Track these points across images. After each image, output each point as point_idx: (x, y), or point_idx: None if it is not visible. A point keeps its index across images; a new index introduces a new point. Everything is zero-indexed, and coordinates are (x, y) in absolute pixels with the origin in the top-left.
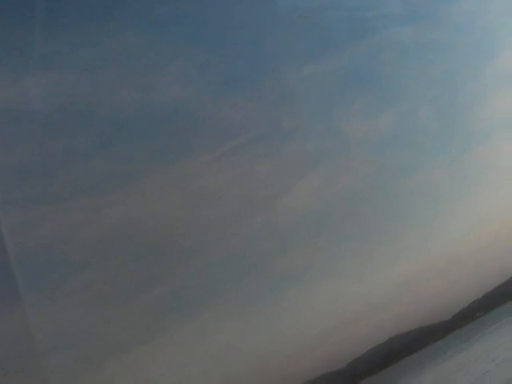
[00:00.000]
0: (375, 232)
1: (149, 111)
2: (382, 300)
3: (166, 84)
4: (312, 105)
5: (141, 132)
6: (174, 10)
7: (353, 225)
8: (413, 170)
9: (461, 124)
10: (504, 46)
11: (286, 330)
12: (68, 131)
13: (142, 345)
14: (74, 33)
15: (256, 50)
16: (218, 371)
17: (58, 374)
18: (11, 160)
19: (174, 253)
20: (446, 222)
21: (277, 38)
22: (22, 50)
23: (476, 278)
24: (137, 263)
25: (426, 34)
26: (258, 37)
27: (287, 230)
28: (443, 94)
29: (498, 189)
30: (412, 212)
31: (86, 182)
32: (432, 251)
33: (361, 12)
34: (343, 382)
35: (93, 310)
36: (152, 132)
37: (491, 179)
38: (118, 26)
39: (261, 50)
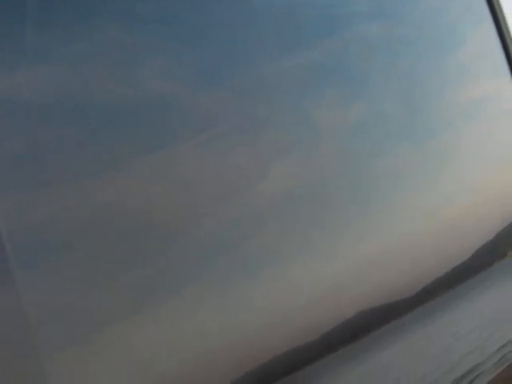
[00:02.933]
0: (344, 214)
1: (133, 103)
2: (349, 277)
3: (148, 77)
4: (285, 96)
5: (125, 122)
6: (157, 8)
7: (323, 207)
8: (379, 156)
9: (425, 113)
10: (465, 40)
11: (260, 305)
12: (58, 121)
13: (126, 319)
14: (64, 29)
15: (233, 46)
16: (197, 344)
17: (48, 346)
18: (4, 148)
19: (156, 234)
20: (409, 204)
21: (253, 34)
22: (15, 45)
23: (438, 257)
24: (121, 244)
25: (392, 29)
26: (235, 34)
27: (262, 212)
28: (408, 85)
29: (458, 173)
30: (378, 195)
31: (74, 168)
32: (397, 231)
33: (331, 9)
34: (317, 353)
35: (80, 288)
36: (136, 122)
37: (453, 164)
38: (105, 23)
39: (237, 45)
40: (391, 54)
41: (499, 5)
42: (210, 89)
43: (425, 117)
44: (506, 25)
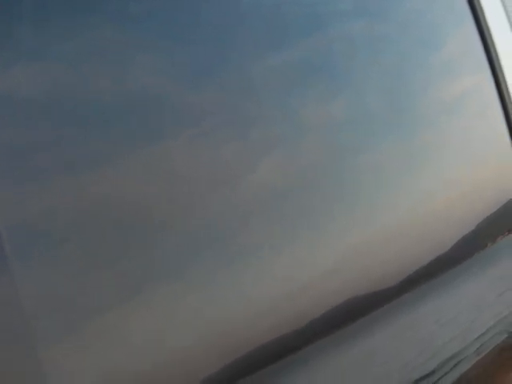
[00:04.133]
0: (329, 206)
1: (126, 99)
2: (336, 267)
3: (139, 74)
4: (272, 93)
5: (117, 117)
6: (150, 8)
7: (310, 200)
8: (363, 151)
9: (407, 110)
10: (447, 39)
11: (248, 294)
12: (52, 116)
13: (119, 308)
14: (58, 28)
15: (221, 44)
16: (187, 332)
17: (43, 334)
18: (1, 142)
19: (147, 226)
20: (392, 197)
21: (241, 33)
22: (13, 44)
23: (421, 248)
24: (115, 236)
25: (375, 28)
26: (224, 33)
27: (250, 204)
28: (392, 83)
29: (441, 168)
30: (362, 189)
31: (68, 162)
32: (380, 224)
33: (317, 8)
34: (304, 340)
35: (74, 278)
36: (127, 117)
37: (434, 160)
38: (98, 22)
39: (225, 43)
40: (375, 53)
41: (480, 5)
42: (201, 86)
43: (408, 114)
44: (486, 24)
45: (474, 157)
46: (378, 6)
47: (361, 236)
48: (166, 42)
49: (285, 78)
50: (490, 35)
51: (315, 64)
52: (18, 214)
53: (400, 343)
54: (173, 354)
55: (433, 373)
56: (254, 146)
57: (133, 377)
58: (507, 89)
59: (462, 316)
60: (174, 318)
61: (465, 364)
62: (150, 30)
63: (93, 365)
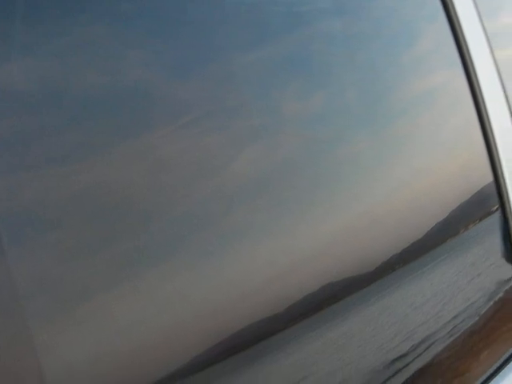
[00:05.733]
0: (307, 195)
1: (113, 92)
2: (313, 254)
3: (127, 69)
4: (253, 87)
5: (106, 110)
6: (137, 6)
7: (289, 188)
8: (339, 143)
9: (382, 103)
10: (419, 36)
11: (229, 278)
12: (43, 109)
13: (108, 291)
14: (50, 25)
15: (205, 40)
16: (171, 314)
17: (35, 315)
18: None
19: (134, 213)
20: (367, 186)
21: (223, 30)
22: (5, 40)
23: (395, 235)
24: (103, 222)
25: (351, 26)
26: (207, 29)
27: (233, 193)
28: (367, 77)
29: (413, 158)
30: (338, 178)
31: (58, 152)
32: (356, 212)
33: (296, 7)
34: (282, 325)
35: (65, 262)
36: (116, 110)
37: (407, 150)
38: (89, 19)
39: (209, 40)
40: (350, 49)
41: (452, 2)
42: (185, 80)
43: (382, 107)
44: (458, 21)
45: (447, 148)
46: (355, 5)
47: (338, 224)
48: (153, 39)
49: (265, 73)
50: (462, 31)
51: (295, 60)
52: (10, 201)
53: (375, 326)
54: (158, 334)
55: (407, 354)
56: (235, 136)
57: (120, 355)
58: (478, 83)
59: (435, 300)
60: (159, 300)
61: (437, 346)
62: (139, 28)
63: (82, 342)
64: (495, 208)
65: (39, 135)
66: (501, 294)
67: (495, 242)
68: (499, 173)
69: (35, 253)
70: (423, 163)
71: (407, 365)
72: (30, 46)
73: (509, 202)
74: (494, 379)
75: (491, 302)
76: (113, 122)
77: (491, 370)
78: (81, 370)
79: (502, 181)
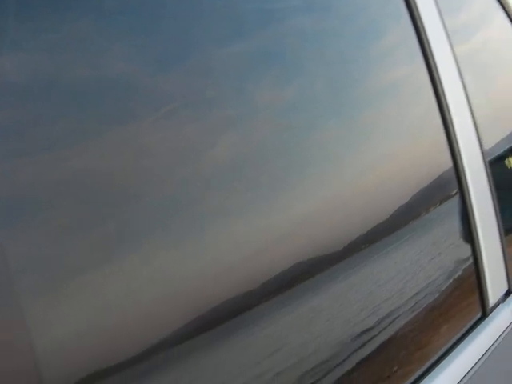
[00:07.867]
0: (279, 179)
1: (99, 84)
2: (287, 233)
3: (112, 62)
4: (229, 79)
5: (93, 101)
6: (120, 4)
7: (262, 174)
8: (310, 131)
9: (350, 94)
10: (384, 32)
11: (206, 257)
12: (34, 100)
13: (95, 270)
14: (40, 21)
15: (184, 35)
16: (155, 290)
17: (27, 291)
18: None
19: (119, 196)
20: (336, 171)
21: (201, 25)
22: None
23: (363, 217)
24: (91, 204)
25: (321, 21)
26: (186, 24)
27: (210, 178)
28: (336, 70)
29: (378, 145)
30: (307, 164)
31: (48, 139)
32: (325, 195)
33: (269, 4)
34: (256, 301)
35: (54, 242)
36: (101, 101)
37: (373, 138)
38: (76, 16)
39: (188, 35)
40: (320, 44)
41: (414, 1)
42: (165, 72)
43: (349, 97)
44: (420, 18)
45: (409, 135)
46: (324, 3)
47: (309, 206)
48: (136, 34)
49: (240, 65)
50: (424, 28)
51: (268, 53)
52: (4, 185)
53: (343, 302)
54: (145, 309)
55: (372, 328)
56: (213, 124)
57: (109, 328)
58: (438, 75)
59: (398, 277)
60: (144, 277)
61: (400, 320)
62: (123, 24)
63: (72, 316)
64: (454, 192)
65: (29, 124)
66: (459, 272)
67: (454, 223)
68: (458, 159)
69: (28, 232)
70: (388, 150)
71: (373, 338)
72: (20, 42)
73: (467, 186)
74: (453, 352)
75: (450, 280)
76: (97, 112)
77: (450, 343)
78: (71, 344)
79: (460, 167)
